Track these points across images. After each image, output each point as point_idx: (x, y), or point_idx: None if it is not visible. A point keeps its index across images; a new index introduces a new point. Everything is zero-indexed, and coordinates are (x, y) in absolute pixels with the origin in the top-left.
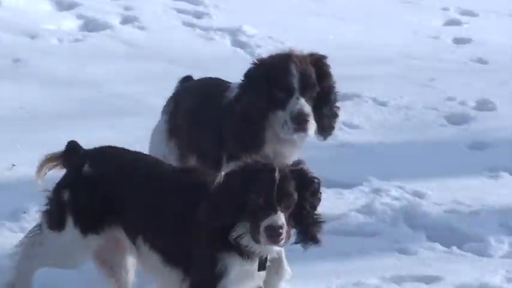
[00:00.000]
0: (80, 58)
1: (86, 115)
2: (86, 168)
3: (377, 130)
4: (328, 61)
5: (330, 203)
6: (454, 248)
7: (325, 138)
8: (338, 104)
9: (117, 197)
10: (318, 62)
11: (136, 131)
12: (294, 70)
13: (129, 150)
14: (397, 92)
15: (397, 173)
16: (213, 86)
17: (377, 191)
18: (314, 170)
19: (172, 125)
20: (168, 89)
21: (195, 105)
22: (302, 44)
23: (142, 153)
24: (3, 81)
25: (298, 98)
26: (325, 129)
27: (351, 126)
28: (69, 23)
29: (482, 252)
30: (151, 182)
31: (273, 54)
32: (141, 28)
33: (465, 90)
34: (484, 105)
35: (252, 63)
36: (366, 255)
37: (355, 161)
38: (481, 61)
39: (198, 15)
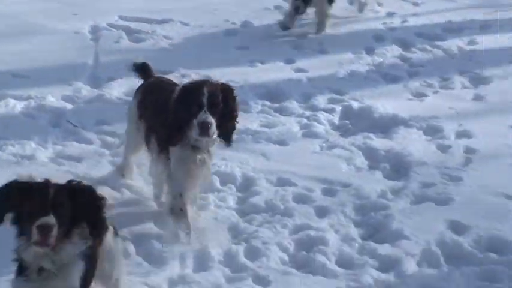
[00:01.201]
0: None
1: None
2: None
3: None
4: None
5: None
6: None
7: (228, 144)
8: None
9: None
10: (226, 90)
11: None
12: (205, 91)
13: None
14: None
15: None
16: (166, 86)
17: None
18: None
19: (140, 110)
20: None
21: (154, 99)
22: None
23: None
24: None
25: (206, 112)
26: (226, 137)
27: None
28: None
29: None
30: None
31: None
32: None
33: None
34: None
35: (183, 84)
36: None
37: None
38: None
39: None
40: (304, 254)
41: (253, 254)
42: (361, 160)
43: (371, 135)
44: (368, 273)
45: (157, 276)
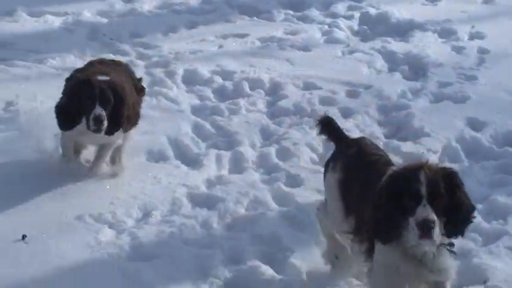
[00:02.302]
0: None
1: None
2: None
3: None
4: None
5: None
6: None
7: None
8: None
9: None
10: (450, 176)
11: None
12: (423, 179)
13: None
14: None
15: None
16: (374, 164)
17: None
18: None
19: (342, 190)
20: None
21: (360, 180)
22: None
23: None
24: None
25: (425, 206)
26: (456, 232)
27: None
28: None
29: None
30: None
31: (406, 164)
32: None
33: None
34: None
35: (393, 170)
36: None
37: None
38: None
39: None
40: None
41: (285, 154)
42: (381, 63)
43: (389, 39)
44: None
45: (195, 178)
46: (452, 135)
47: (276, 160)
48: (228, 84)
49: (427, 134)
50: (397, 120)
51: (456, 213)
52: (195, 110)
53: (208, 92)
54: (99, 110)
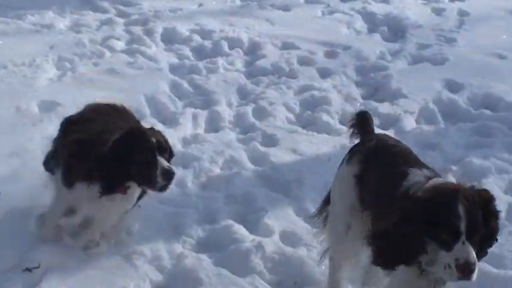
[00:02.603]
0: None
1: None
2: None
3: None
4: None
5: None
6: None
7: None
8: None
9: None
10: (487, 203)
11: None
12: (462, 210)
13: None
14: None
15: None
16: (400, 159)
17: None
18: None
19: (361, 189)
20: None
21: (383, 178)
22: None
23: None
24: None
25: (464, 243)
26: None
27: None
28: None
29: None
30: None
31: (435, 187)
32: None
33: None
34: None
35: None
36: None
37: None
38: None
39: None
40: (309, 114)
41: (261, 114)
42: (360, 24)
43: (369, 0)
44: None
45: (171, 136)
46: (430, 97)
47: (252, 119)
48: (207, 44)
49: (405, 95)
50: (375, 82)
51: (487, 242)
52: (173, 69)
53: (186, 51)
54: (165, 162)
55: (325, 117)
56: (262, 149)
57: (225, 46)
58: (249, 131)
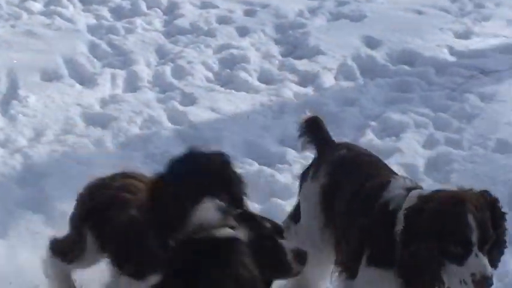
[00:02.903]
0: None
1: None
2: None
3: None
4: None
5: None
6: None
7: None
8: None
9: None
10: (493, 206)
11: None
12: (472, 221)
13: None
14: None
15: None
16: (369, 171)
17: None
18: None
19: (327, 200)
20: None
21: (351, 192)
22: None
23: None
24: None
25: (477, 255)
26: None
27: None
28: None
29: None
30: None
31: (440, 196)
32: None
33: None
34: None
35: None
36: None
37: None
38: None
39: None
40: (228, 72)
41: (180, 73)
42: None
43: None
44: (288, 88)
45: (90, 97)
46: (348, 54)
47: (171, 79)
48: (125, 4)
49: (323, 52)
50: (293, 39)
51: (498, 247)
52: (91, 29)
53: (104, 11)
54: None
55: (243, 75)
56: (181, 108)
57: (143, 6)
58: (167, 90)
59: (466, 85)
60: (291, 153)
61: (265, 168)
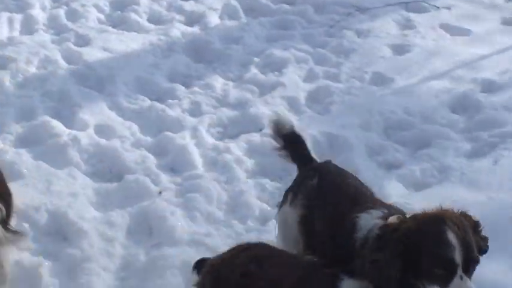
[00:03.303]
0: None
1: None
2: None
3: None
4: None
5: None
6: None
7: None
8: None
9: None
10: (475, 227)
11: None
12: (454, 240)
13: None
14: None
15: None
16: (352, 194)
17: None
18: None
19: (305, 228)
20: None
21: (331, 214)
22: None
23: None
24: None
25: (462, 278)
26: None
27: None
28: None
29: None
30: None
31: (419, 215)
32: None
33: None
34: None
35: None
36: None
37: None
38: None
39: None
40: (119, 13)
41: (74, 15)
42: None
43: None
44: (176, 27)
45: None
46: None
47: (65, 21)
48: None
49: None
50: None
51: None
52: None
53: None
54: None
55: (134, 16)
56: (76, 48)
57: None
58: (62, 32)
59: (343, 22)
60: (180, 89)
61: (156, 103)
